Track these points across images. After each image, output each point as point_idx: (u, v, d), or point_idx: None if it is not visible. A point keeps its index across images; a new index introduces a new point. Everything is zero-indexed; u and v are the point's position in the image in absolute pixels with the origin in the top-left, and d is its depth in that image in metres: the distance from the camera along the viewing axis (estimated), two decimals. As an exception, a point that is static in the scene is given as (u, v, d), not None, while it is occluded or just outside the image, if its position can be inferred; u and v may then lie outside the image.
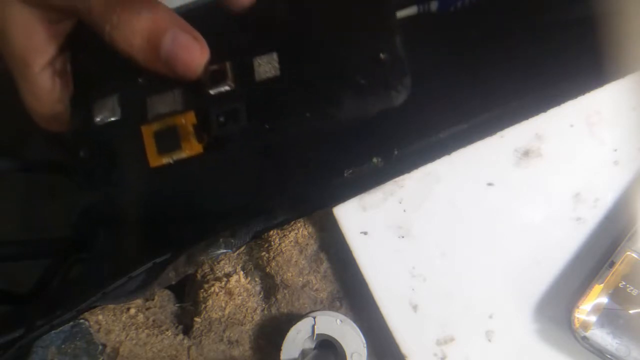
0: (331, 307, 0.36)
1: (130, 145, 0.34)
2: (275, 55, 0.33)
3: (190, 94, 0.33)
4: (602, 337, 0.30)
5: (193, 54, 0.31)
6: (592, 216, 0.33)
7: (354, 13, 0.33)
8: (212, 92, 0.33)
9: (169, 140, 0.33)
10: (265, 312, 0.36)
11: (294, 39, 0.33)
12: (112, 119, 0.35)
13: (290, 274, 0.35)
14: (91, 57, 0.36)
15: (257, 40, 0.34)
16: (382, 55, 0.31)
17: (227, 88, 0.33)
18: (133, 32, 0.31)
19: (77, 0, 0.32)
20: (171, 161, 0.33)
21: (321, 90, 0.32)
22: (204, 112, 0.33)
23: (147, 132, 0.34)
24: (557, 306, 0.33)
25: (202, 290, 0.36)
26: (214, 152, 0.33)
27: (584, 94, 0.33)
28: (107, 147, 0.35)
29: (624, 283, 0.31)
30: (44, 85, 0.35)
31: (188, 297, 0.38)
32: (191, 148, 0.33)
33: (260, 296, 0.36)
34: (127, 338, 0.36)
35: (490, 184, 0.34)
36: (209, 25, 0.30)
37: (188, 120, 0.33)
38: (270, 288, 0.36)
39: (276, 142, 0.32)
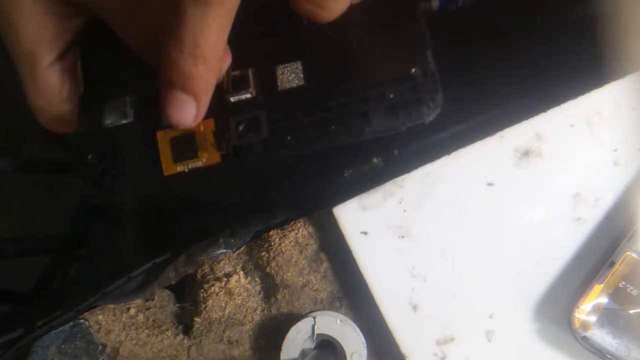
0: (331, 307, 0.36)
1: (142, 151, 0.33)
2: (299, 64, 0.31)
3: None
4: (602, 337, 0.30)
5: (183, 114, 0.29)
6: (592, 216, 0.33)
7: (385, 26, 0.31)
8: (232, 99, 0.32)
9: (185, 148, 0.32)
10: (265, 312, 0.36)
11: (320, 49, 0.32)
12: (124, 121, 0.33)
13: (290, 274, 0.35)
14: (103, 55, 0.35)
15: (281, 47, 0.32)
16: (413, 70, 0.30)
17: (248, 96, 0.32)
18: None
19: None
20: (186, 170, 0.32)
21: (348, 103, 0.31)
22: (224, 120, 0.32)
23: (163, 138, 0.32)
24: (557, 306, 0.33)
25: (202, 290, 0.36)
26: (232, 161, 0.31)
27: (584, 94, 0.33)
28: (118, 152, 0.33)
29: (624, 283, 0.31)
30: (52, 82, 0.34)
31: (188, 297, 0.38)
32: (209, 157, 0.32)
33: (260, 296, 0.36)
34: (127, 338, 0.36)
35: (490, 184, 0.34)
36: (233, 26, 0.27)
37: (207, 127, 0.32)
38: (270, 288, 0.36)
39: (298, 155, 0.31)
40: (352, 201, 0.34)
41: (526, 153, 0.34)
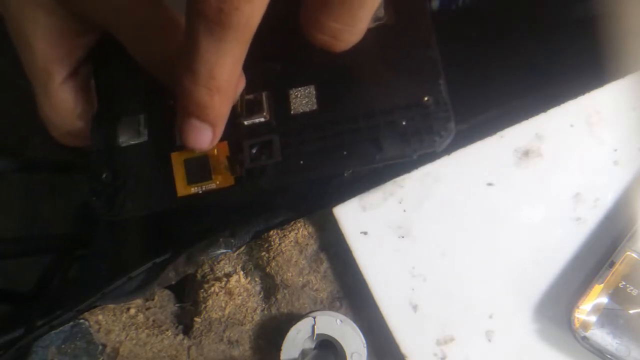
0: (331, 307, 0.36)
1: (156, 171, 0.33)
2: (312, 88, 0.32)
3: None
4: (602, 337, 0.30)
5: (199, 139, 0.29)
6: (592, 216, 0.33)
7: (398, 52, 0.31)
8: (246, 122, 0.32)
9: (199, 170, 0.32)
10: (265, 312, 0.36)
11: (334, 73, 0.32)
12: (138, 141, 0.33)
13: (290, 274, 0.35)
14: (117, 72, 0.35)
15: (294, 70, 0.32)
16: (426, 98, 0.30)
17: (261, 119, 0.32)
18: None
19: (110, 14, 0.31)
20: (200, 192, 0.32)
21: (360, 129, 0.31)
22: (237, 143, 0.32)
23: (177, 160, 0.32)
24: (557, 306, 0.33)
25: (202, 290, 0.36)
26: (245, 184, 0.32)
27: (584, 94, 0.33)
28: (131, 171, 0.33)
29: (624, 283, 0.31)
30: (65, 99, 0.34)
31: (188, 297, 0.38)
32: (223, 180, 0.32)
33: (260, 296, 0.37)
34: (127, 338, 0.36)
35: (490, 184, 0.34)
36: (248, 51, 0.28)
37: (221, 150, 0.32)
38: (270, 288, 0.36)
39: (310, 180, 0.31)
40: (352, 201, 0.34)
41: (526, 153, 0.33)
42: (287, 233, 0.35)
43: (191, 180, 0.32)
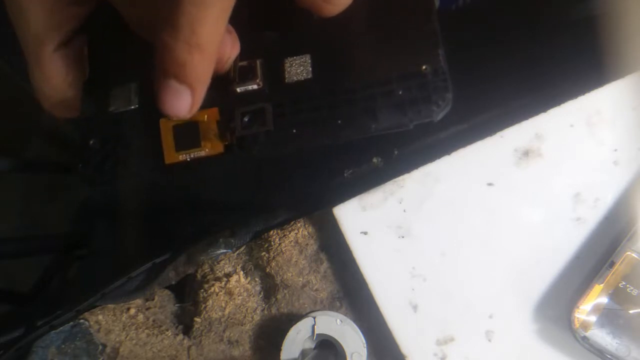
0: (331, 307, 0.36)
1: (145, 138, 0.32)
2: (308, 57, 0.31)
3: (214, 89, 0.30)
4: (602, 337, 0.30)
5: (178, 104, 0.28)
6: (592, 216, 0.33)
7: (397, 22, 0.31)
8: (238, 89, 0.31)
9: (188, 136, 0.31)
10: (265, 312, 0.36)
11: (330, 42, 0.31)
12: (128, 108, 0.33)
13: (290, 274, 0.35)
14: (110, 42, 0.34)
15: (290, 39, 0.32)
16: (424, 67, 0.30)
17: (254, 87, 0.31)
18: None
19: None
20: (188, 159, 0.32)
21: (356, 99, 0.30)
22: (229, 110, 0.31)
23: (166, 126, 0.32)
24: (557, 306, 0.33)
25: (202, 290, 0.36)
26: (235, 152, 0.31)
27: (584, 94, 0.33)
28: (120, 138, 0.33)
29: (624, 283, 0.31)
30: (57, 67, 0.33)
31: (188, 297, 0.38)
32: (212, 147, 0.31)
33: (260, 296, 0.36)
34: (127, 338, 0.36)
35: (490, 184, 0.34)
36: (242, 16, 0.27)
37: (211, 117, 0.31)
38: (270, 288, 0.36)
39: (302, 149, 0.31)
40: (352, 201, 0.34)
41: (526, 153, 0.34)
42: (287, 233, 0.35)
43: (180, 146, 0.32)
